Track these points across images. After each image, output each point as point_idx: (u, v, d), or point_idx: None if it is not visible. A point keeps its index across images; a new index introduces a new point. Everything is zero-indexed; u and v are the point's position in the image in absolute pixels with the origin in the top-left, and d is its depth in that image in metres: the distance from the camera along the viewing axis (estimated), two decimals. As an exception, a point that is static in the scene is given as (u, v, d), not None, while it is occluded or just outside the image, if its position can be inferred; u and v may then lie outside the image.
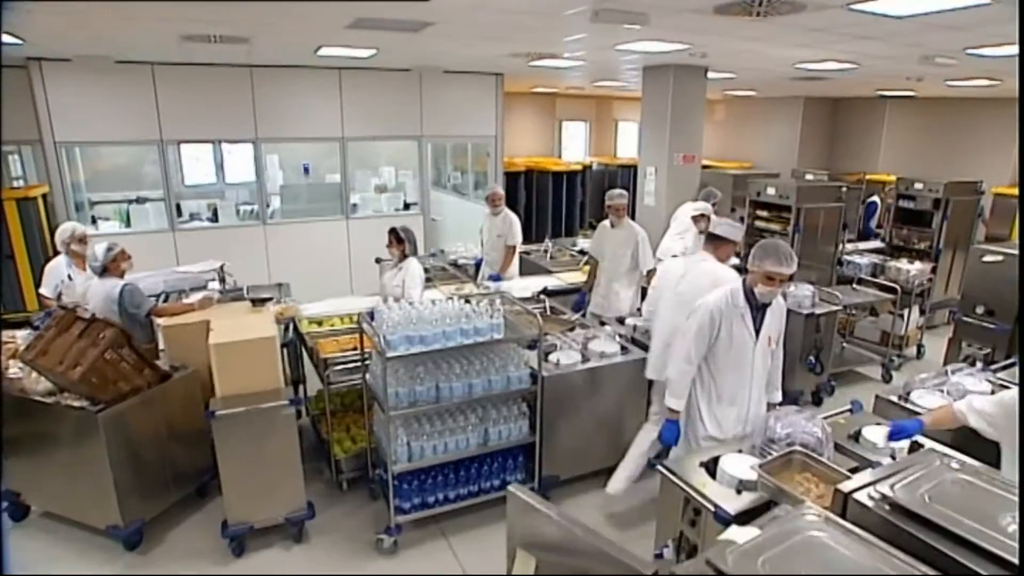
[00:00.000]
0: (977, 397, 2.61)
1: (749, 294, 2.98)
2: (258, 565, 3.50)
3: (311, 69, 7.59)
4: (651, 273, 5.14)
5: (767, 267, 2.85)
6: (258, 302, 5.14)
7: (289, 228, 8.19)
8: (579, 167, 11.51)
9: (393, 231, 4.64)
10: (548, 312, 5.06)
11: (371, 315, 4.57)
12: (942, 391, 3.40)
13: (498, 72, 8.58)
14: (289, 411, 3.48)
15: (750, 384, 3.07)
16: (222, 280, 5.16)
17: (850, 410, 3.31)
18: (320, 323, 4.72)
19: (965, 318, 5.09)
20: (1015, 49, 4.86)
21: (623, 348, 4.16)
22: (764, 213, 6.35)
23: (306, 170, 10.32)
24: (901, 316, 6.13)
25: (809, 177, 8.70)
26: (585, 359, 4.01)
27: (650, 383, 4.00)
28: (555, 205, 11.37)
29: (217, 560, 3.50)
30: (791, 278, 2.99)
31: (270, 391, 3.54)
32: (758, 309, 3.00)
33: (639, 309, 5.03)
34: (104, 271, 4.18)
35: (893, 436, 2.70)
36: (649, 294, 4.27)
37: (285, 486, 3.58)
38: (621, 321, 4.74)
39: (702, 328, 3.02)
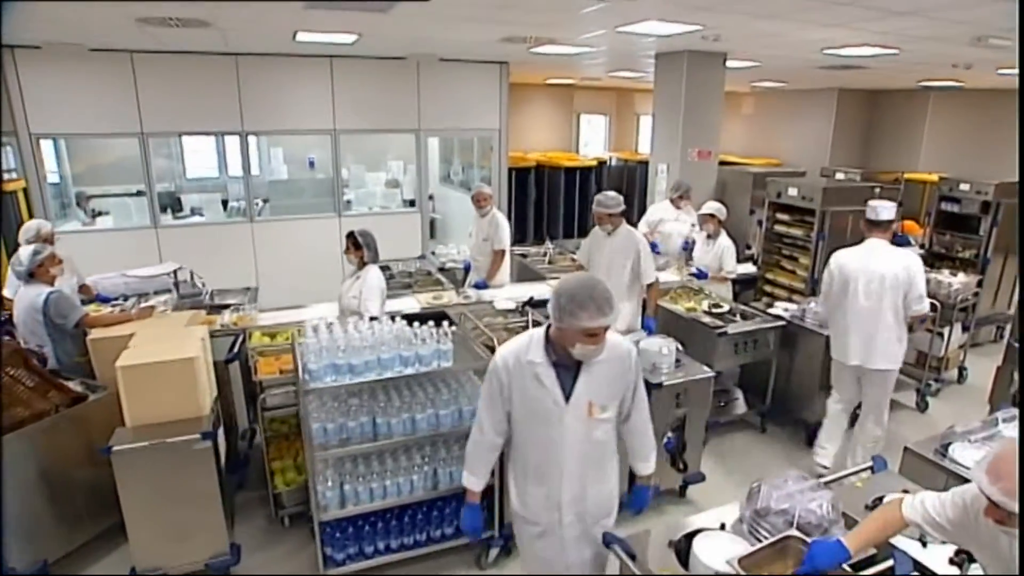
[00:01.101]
0: (929, 496, 1.85)
1: (552, 347, 2.18)
2: (170, 620, 3.06)
3: (300, 58, 7.14)
4: (652, 286, 4.54)
5: (583, 323, 2.01)
6: (214, 310, 4.75)
7: (278, 226, 7.78)
8: (594, 163, 10.87)
9: (351, 235, 4.15)
10: (531, 327, 4.51)
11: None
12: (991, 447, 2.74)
13: (502, 61, 8.01)
14: (203, 445, 3.01)
15: (561, 462, 2.24)
16: (176, 285, 4.73)
17: (870, 468, 2.70)
18: (273, 336, 4.25)
19: (1019, 344, 4.36)
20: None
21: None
22: (785, 216, 5.67)
23: (311, 164, 9.99)
24: (940, 334, 5.40)
25: (840, 176, 7.93)
26: (558, 388, 3.44)
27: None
28: (567, 203, 10.78)
29: (124, 612, 3.06)
30: None
31: (188, 420, 3.09)
32: (569, 367, 2.18)
33: (647, 328, 4.46)
34: (31, 277, 3.78)
35: None
36: (823, 290, 4.05)
37: (204, 528, 3.12)
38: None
39: (489, 390, 2.28)
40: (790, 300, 5.42)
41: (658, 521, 3.78)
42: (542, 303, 4.92)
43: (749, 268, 6.09)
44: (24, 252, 3.79)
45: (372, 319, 3.89)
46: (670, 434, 3.67)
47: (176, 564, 3.12)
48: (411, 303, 5.04)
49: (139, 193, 7.86)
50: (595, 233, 4.60)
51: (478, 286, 5.49)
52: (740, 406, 4.92)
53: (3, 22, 4.69)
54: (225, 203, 8.08)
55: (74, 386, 3.34)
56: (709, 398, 3.81)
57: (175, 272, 4.70)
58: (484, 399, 2.32)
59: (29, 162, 6.59)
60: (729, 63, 6.72)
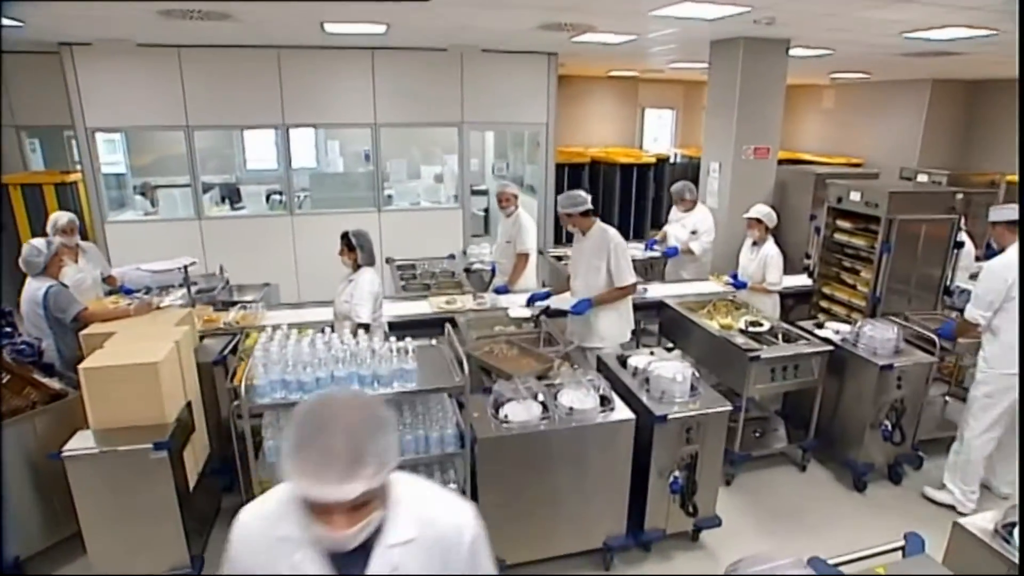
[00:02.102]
0: None
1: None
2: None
3: (341, 50, 7.04)
4: (625, 288, 4.08)
5: (300, 485, 1.13)
6: (226, 306, 4.70)
7: (317, 219, 7.74)
8: (653, 159, 10.26)
9: (344, 236, 3.96)
10: (540, 340, 4.17)
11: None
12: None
13: (550, 52, 7.62)
14: (158, 455, 2.87)
15: None
16: (187, 280, 4.70)
17: (901, 548, 2.16)
18: (271, 337, 4.10)
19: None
20: None
21: (604, 401, 3.17)
22: (846, 224, 4.98)
23: (367, 157, 10.01)
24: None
25: (922, 179, 6.99)
26: (546, 415, 3.07)
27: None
28: (624, 202, 10.23)
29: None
30: None
31: (150, 427, 2.96)
32: (343, 555, 1.22)
33: (670, 347, 4.09)
34: (44, 270, 3.80)
35: None
36: (989, 299, 3.52)
37: (161, 538, 3.00)
38: (623, 363, 3.73)
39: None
40: (847, 319, 4.76)
41: (662, 567, 3.37)
42: (561, 313, 4.55)
43: (804, 280, 5.43)
44: (39, 242, 3.83)
45: (362, 326, 3.71)
46: (677, 473, 3.22)
47: (136, 572, 3.02)
48: (423, 307, 4.80)
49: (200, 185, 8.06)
50: (575, 237, 4.26)
51: (499, 291, 5.16)
52: (779, 438, 4.36)
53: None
54: (269, 196, 8.15)
55: (53, 383, 3.30)
56: (726, 434, 3.32)
57: (185, 268, 4.66)
58: None
59: (85, 154, 6.84)
60: (795, 51, 6.04)
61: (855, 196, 4.73)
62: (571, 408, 3.09)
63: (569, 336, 4.20)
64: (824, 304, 5.21)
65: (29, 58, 6.95)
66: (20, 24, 5.22)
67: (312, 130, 9.58)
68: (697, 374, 3.43)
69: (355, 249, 3.86)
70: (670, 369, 3.38)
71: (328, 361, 2.59)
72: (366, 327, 3.77)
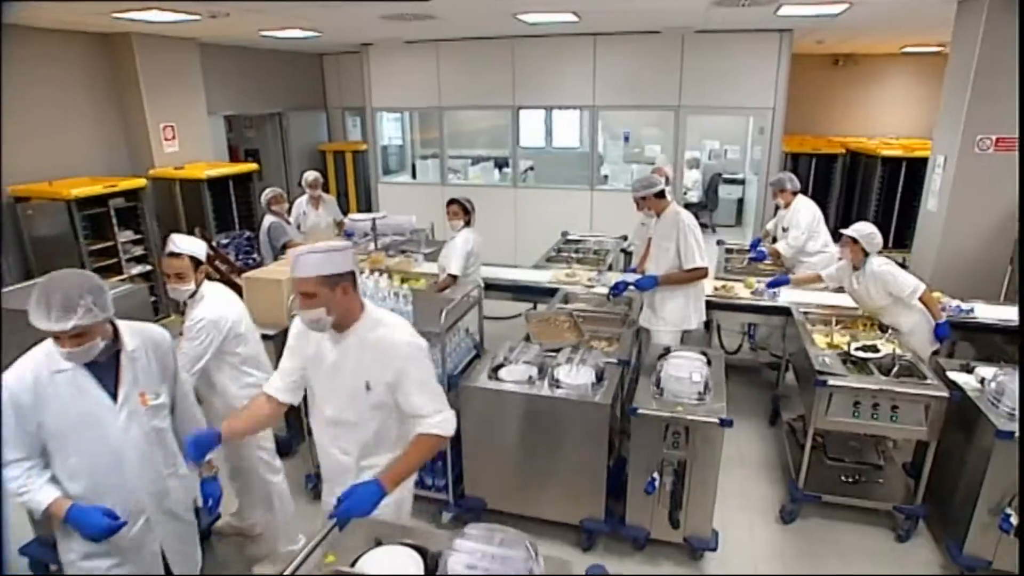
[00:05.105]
0: None
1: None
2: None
3: (567, 37, 7.55)
4: (693, 271, 3.86)
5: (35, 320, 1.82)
6: (400, 253, 5.81)
7: (536, 193, 8.54)
8: (928, 153, 8.24)
9: (457, 202, 4.60)
10: (620, 321, 4.23)
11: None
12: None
13: (783, 29, 6.89)
14: (266, 343, 3.97)
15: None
16: (373, 229, 5.93)
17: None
18: (404, 280, 4.98)
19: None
20: None
21: (598, 380, 3.20)
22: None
23: (626, 139, 10.51)
24: None
25: None
26: (532, 381, 3.26)
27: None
28: (887, 200, 8.49)
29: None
30: None
31: (276, 325, 4.11)
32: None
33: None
34: (268, 208, 5.41)
35: None
36: None
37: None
38: (663, 354, 3.57)
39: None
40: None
41: (641, 568, 3.26)
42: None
43: (1011, 313, 4.08)
44: (265, 191, 5.44)
45: (452, 276, 4.36)
46: (655, 475, 3.07)
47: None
48: (543, 276, 5.16)
49: (477, 159, 9.55)
50: (652, 222, 4.15)
51: (628, 271, 5.21)
52: (882, 494, 3.56)
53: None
54: (501, 167, 9.21)
55: (246, 285, 4.73)
56: (720, 449, 3.01)
57: (374, 220, 5.89)
58: None
59: (370, 129, 8.87)
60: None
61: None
62: (557, 380, 3.22)
63: (641, 321, 4.13)
64: (1036, 348, 3.88)
65: (351, 56, 9.21)
66: (319, 34, 7.12)
67: (576, 112, 10.29)
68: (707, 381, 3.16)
69: (470, 212, 4.49)
70: (686, 367, 3.20)
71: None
72: (454, 278, 4.40)
